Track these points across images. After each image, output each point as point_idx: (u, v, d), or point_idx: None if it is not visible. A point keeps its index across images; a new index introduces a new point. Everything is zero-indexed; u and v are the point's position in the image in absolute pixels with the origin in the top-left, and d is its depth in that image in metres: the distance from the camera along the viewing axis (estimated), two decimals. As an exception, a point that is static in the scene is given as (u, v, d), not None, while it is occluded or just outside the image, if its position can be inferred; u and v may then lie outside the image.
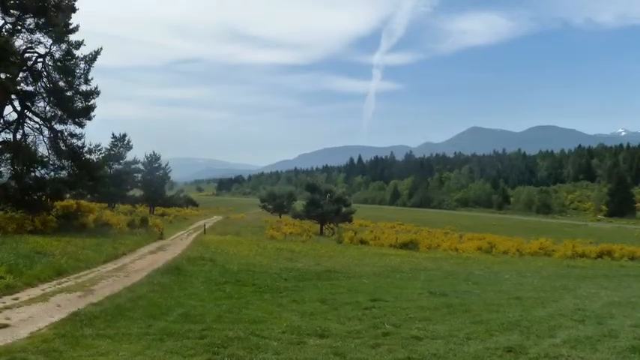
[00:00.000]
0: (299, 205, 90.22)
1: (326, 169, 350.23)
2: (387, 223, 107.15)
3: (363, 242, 52.89)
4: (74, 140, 39.06)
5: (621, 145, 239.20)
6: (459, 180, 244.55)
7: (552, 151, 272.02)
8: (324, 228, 75.20)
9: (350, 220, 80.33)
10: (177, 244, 42.69)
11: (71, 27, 37.74)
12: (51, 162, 38.85)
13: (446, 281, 23.63)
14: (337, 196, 77.54)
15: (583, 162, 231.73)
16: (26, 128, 38.13)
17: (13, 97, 37.18)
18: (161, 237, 47.38)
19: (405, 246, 50.38)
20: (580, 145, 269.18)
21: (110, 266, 25.70)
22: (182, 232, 60.53)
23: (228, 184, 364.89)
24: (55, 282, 19.93)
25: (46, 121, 38.24)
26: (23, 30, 36.54)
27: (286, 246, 42.55)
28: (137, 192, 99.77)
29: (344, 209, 77.52)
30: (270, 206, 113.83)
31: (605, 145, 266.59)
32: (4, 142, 37.75)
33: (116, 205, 79.97)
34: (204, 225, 67.50)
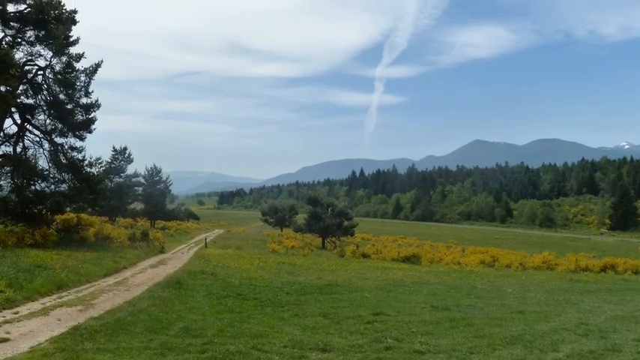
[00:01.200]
0: (301, 218, 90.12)
1: (328, 182, 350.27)
2: (390, 236, 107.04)
3: (365, 256, 52.76)
4: (75, 153, 39.01)
5: (625, 159, 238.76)
6: (461, 193, 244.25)
7: (555, 165, 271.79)
8: (325, 242, 75.09)
9: (352, 234, 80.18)
10: (178, 257, 42.60)
11: (72, 39, 37.72)
12: (51, 175, 38.79)
13: (448, 295, 23.52)
14: (339, 210, 77.44)
15: (586, 175, 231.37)
16: (26, 141, 38.10)
17: (13, 109, 37.16)
18: (162, 251, 47.30)
19: (407, 260, 50.26)
20: (583, 159, 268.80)
21: (111, 280, 25.63)
22: (183, 245, 60.44)
23: (229, 198, 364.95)
24: (55, 296, 19.87)
25: (47, 134, 38.20)
26: (23, 42, 36.54)
27: (288, 260, 42.44)
28: (138, 205, 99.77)
29: (346, 223, 77.41)
30: (271, 220, 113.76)
31: (608, 158, 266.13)
32: (5, 155, 37.71)
33: (117, 219, 79.88)
34: (206, 239, 67.38)
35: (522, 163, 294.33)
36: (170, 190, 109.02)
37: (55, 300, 18.98)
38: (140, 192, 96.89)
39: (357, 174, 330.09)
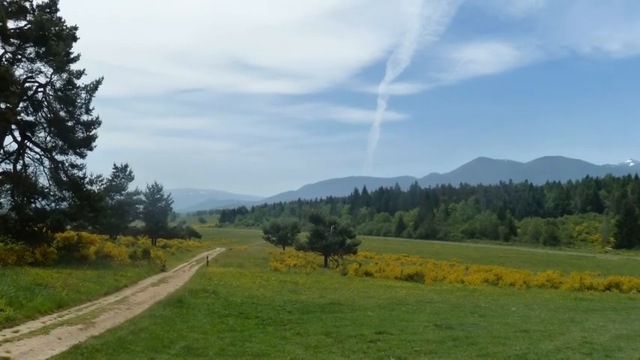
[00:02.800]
0: (303, 236, 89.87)
1: (330, 200, 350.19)
2: (393, 254, 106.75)
3: (367, 274, 52.50)
4: (75, 171, 38.97)
5: (629, 176, 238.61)
6: (465, 211, 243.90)
7: (559, 182, 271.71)
8: (328, 260, 74.82)
9: (355, 252, 79.91)
10: (179, 276, 42.45)
11: (72, 56, 37.75)
12: (52, 193, 38.73)
13: (452, 314, 23.33)
14: (341, 228, 77.22)
15: (591, 193, 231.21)
16: (26, 159, 38.07)
17: (13, 127, 37.14)
18: (163, 269, 47.14)
19: (410, 278, 50.00)
20: (587, 176, 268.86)
21: (111, 298, 25.49)
22: (185, 264, 60.29)
23: (231, 216, 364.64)
24: (55, 314, 19.76)
25: (47, 151, 38.16)
26: (24, 59, 36.56)
27: (290, 278, 42.23)
28: (139, 223, 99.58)
29: (348, 241, 77.16)
30: (273, 238, 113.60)
31: (613, 175, 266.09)
32: (4, 172, 37.65)
33: (118, 237, 79.70)
34: (207, 257, 67.23)
35: (526, 180, 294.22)
36: (171, 208, 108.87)
37: (55, 318, 18.87)
38: (141, 210, 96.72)
39: (360, 191, 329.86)
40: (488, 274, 56.03)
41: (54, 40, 36.24)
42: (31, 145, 38.21)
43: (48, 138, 38.25)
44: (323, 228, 76.29)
